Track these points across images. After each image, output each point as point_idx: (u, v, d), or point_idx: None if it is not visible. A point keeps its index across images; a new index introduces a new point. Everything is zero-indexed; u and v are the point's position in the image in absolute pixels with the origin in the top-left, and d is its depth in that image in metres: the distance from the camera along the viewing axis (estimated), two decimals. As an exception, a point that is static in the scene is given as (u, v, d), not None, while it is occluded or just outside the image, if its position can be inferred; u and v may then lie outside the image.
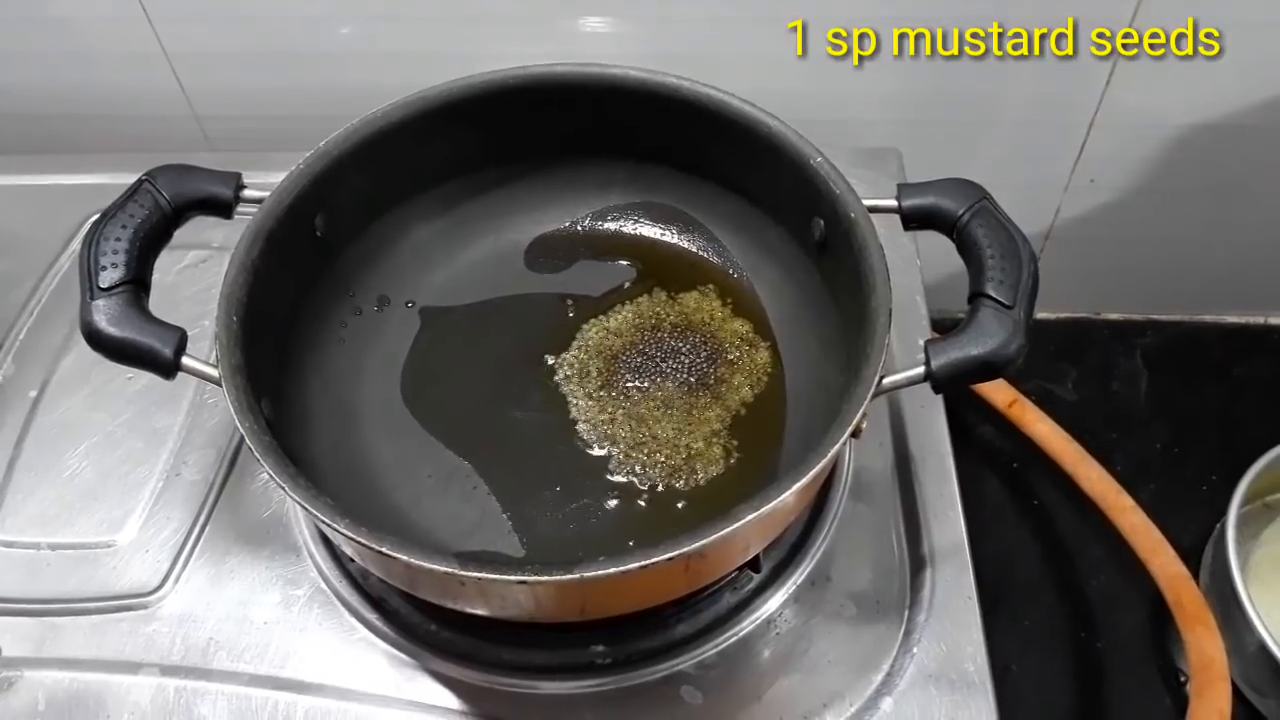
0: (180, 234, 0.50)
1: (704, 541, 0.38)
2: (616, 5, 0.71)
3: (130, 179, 0.51)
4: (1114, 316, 0.89)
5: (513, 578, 0.37)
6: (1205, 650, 0.58)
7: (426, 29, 0.73)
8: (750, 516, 0.39)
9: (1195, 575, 0.73)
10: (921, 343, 0.43)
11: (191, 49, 0.74)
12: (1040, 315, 0.90)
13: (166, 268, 0.65)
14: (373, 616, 0.51)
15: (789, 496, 0.39)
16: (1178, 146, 0.74)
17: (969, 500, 0.80)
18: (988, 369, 0.43)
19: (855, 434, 0.43)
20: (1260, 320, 0.88)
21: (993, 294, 0.43)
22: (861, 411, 0.42)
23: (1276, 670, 0.64)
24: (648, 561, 0.38)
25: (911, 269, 0.64)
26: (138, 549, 0.54)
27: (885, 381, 0.43)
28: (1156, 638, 0.70)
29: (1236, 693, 0.69)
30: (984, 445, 0.82)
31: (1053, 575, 0.76)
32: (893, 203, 0.48)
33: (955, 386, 0.43)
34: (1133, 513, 0.68)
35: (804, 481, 0.40)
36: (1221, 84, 0.70)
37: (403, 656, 0.49)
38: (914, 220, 0.48)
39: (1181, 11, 0.66)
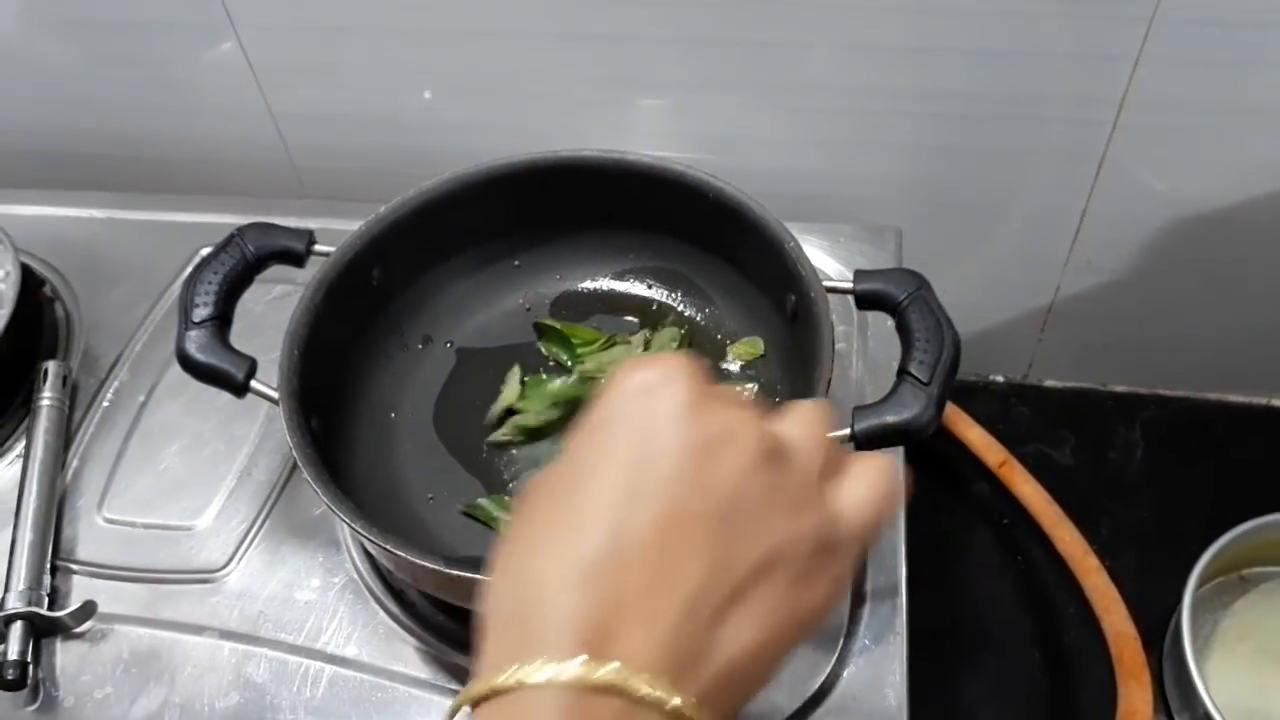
0: (273, 269, 0.61)
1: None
2: (664, 91, 0.80)
3: (233, 219, 0.63)
4: (1119, 389, 0.94)
5: (482, 576, 0.47)
6: (1132, 701, 0.63)
7: (497, 103, 0.83)
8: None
9: (1162, 639, 0.78)
10: (850, 409, 0.51)
11: (294, 109, 0.86)
12: (1047, 383, 0.97)
13: (259, 298, 0.76)
14: (393, 605, 0.60)
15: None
16: (1167, 235, 0.79)
17: (959, 550, 0.88)
18: (903, 435, 0.50)
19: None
20: (1264, 401, 0.92)
21: (913, 372, 0.51)
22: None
23: (1221, 733, 0.69)
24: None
25: (893, 338, 0.71)
26: (211, 534, 0.65)
27: (817, 440, 0.51)
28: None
29: (1186, 749, 0.73)
30: (978, 500, 0.88)
31: (1028, 627, 0.82)
32: (849, 285, 0.56)
33: (875, 447, 0.51)
34: (1096, 573, 0.74)
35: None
36: (1208, 178, 0.76)
37: (413, 640, 0.59)
38: (865, 302, 0.56)
39: (1168, 109, 0.72)
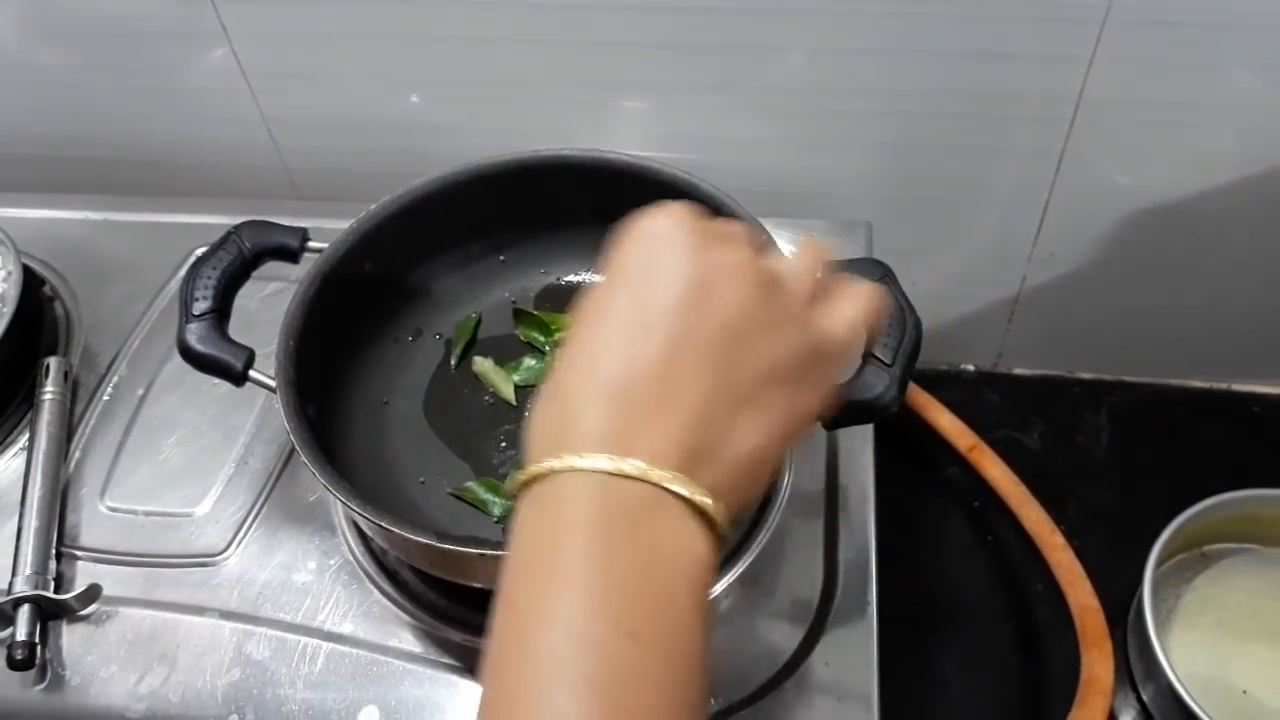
0: (266, 268, 0.64)
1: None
2: (644, 93, 0.83)
3: (227, 220, 0.66)
4: (1086, 375, 0.98)
5: (472, 550, 0.50)
6: (1094, 669, 0.66)
7: (483, 105, 0.86)
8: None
9: (1127, 614, 0.81)
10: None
11: (285, 114, 0.89)
12: (1016, 371, 1.00)
13: (253, 294, 0.79)
14: (387, 585, 0.63)
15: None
16: (1127, 226, 0.83)
17: (932, 531, 0.91)
18: (868, 413, 0.53)
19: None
20: (1224, 386, 0.96)
21: (878, 354, 0.54)
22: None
23: (1179, 702, 0.71)
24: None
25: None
26: (210, 520, 0.67)
27: (787, 419, 0.54)
28: (1086, 664, 0.78)
29: (1148, 715, 0.77)
30: (950, 484, 0.91)
31: (999, 603, 0.85)
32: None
33: (842, 425, 0.54)
34: (1062, 550, 0.77)
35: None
36: (1164, 172, 0.79)
37: (406, 618, 0.62)
38: (832, 290, 0.59)
39: (1123, 106, 0.75)
